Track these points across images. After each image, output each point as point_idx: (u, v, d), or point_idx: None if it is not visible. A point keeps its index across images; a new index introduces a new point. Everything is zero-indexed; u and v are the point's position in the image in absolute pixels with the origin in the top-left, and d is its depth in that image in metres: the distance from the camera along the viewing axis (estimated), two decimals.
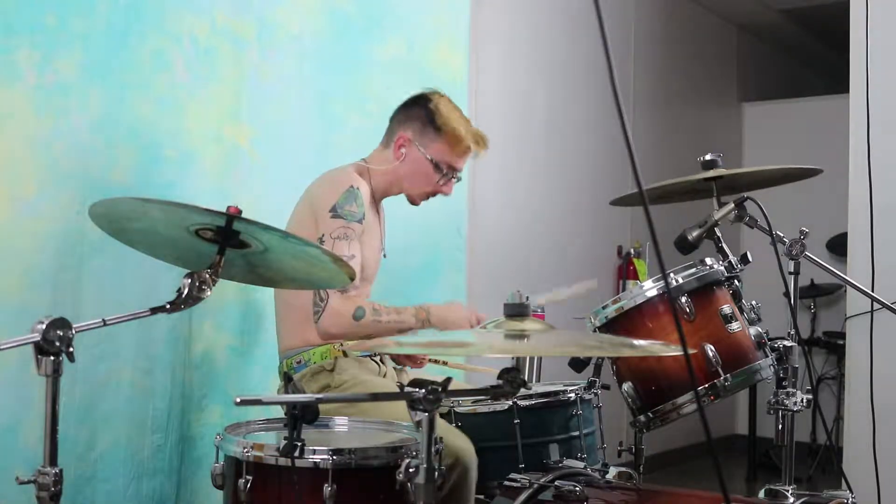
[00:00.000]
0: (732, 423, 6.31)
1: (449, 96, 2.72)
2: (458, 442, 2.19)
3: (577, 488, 2.02)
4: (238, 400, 1.54)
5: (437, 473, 1.59)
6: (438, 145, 2.61)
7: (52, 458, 1.59)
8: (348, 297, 2.45)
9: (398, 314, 2.50)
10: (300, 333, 2.55)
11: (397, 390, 1.62)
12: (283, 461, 1.77)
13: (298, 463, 1.75)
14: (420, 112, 2.63)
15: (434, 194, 2.69)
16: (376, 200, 2.70)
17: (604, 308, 2.29)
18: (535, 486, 2.07)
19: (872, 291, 2.91)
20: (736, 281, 2.35)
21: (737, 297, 2.33)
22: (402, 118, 2.66)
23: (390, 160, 2.64)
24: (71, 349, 1.58)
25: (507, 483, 2.15)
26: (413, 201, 2.71)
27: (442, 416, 2.30)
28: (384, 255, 2.73)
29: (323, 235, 2.43)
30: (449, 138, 2.60)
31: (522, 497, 2.05)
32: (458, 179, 2.71)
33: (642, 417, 2.26)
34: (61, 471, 1.59)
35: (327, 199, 2.49)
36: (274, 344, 2.73)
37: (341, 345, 2.52)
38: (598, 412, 2.43)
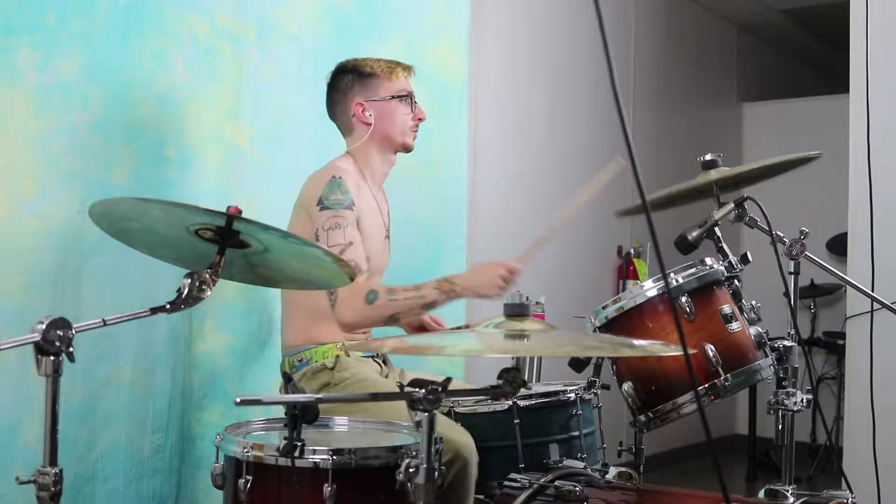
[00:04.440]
0: (732, 423, 6.31)
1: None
2: (458, 437, 2.19)
3: (577, 488, 2.02)
4: (238, 400, 1.54)
5: (437, 473, 1.59)
6: (383, 85, 2.65)
7: (52, 458, 1.59)
8: (356, 284, 2.43)
9: (416, 290, 2.42)
10: (303, 332, 2.55)
11: (397, 390, 1.62)
12: (283, 461, 1.77)
13: (298, 463, 1.75)
14: (348, 77, 2.67)
15: (417, 125, 2.69)
16: (373, 183, 2.68)
17: (604, 308, 2.29)
18: (535, 486, 2.07)
19: (872, 291, 2.91)
20: (736, 281, 2.35)
21: (737, 297, 2.33)
22: (342, 95, 2.67)
23: (363, 131, 2.65)
24: (71, 349, 1.58)
25: (507, 483, 2.15)
26: (407, 146, 2.69)
27: (442, 415, 2.30)
28: (387, 237, 2.70)
29: (317, 230, 2.43)
30: (384, 73, 2.66)
31: (522, 497, 2.05)
32: (416, 102, 2.72)
33: (642, 417, 2.26)
34: (61, 471, 1.59)
35: (313, 194, 2.50)
36: (275, 343, 2.73)
37: (343, 344, 2.53)
38: (598, 412, 2.43)
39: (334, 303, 2.44)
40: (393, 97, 2.64)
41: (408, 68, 2.71)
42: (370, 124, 2.63)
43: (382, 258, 2.68)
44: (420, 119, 2.69)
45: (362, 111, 2.64)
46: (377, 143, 2.66)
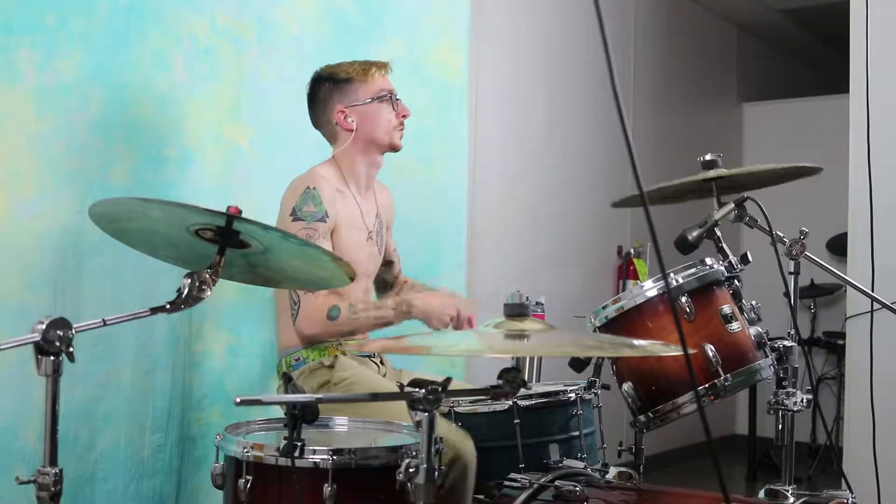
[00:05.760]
0: (732, 423, 6.31)
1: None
2: (459, 439, 2.20)
3: (577, 488, 2.03)
4: (238, 400, 1.54)
5: (437, 473, 1.59)
6: (361, 88, 2.62)
7: (52, 458, 1.59)
8: (321, 297, 2.44)
9: (377, 309, 2.50)
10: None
11: (397, 390, 1.62)
12: (283, 461, 1.77)
13: (298, 463, 1.75)
14: (326, 85, 2.65)
15: (401, 122, 2.66)
16: (357, 188, 2.65)
17: (604, 308, 2.29)
18: (535, 486, 2.07)
19: (872, 291, 2.91)
20: (736, 281, 2.35)
21: (737, 297, 2.33)
22: (322, 105, 2.66)
23: (348, 138, 2.63)
24: (71, 349, 1.58)
25: (507, 483, 2.15)
26: (395, 146, 2.67)
27: (442, 416, 2.30)
28: (368, 238, 2.65)
29: None
30: (360, 76, 2.63)
31: (522, 497, 2.05)
32: (399, 99, 2.69)
33: (642, 417, 2.26)
34: (61, 471, 1.59)
35: (288, 204, 2.51)
36: (274, 343, 2.73)
37: (340, 344, 2.52)
38: (598, 412, 2.43)
39: (296, 314, 2.45)
40: (373, 99, 2.62)
41: (383, 66, 2.67)
42: (353, 130, 2.62)
43: (368, 262, 2.66)
44: (404, 116, 2.67)
45: (344, 118, 2.62)
46: (361, 147, 2.64)
